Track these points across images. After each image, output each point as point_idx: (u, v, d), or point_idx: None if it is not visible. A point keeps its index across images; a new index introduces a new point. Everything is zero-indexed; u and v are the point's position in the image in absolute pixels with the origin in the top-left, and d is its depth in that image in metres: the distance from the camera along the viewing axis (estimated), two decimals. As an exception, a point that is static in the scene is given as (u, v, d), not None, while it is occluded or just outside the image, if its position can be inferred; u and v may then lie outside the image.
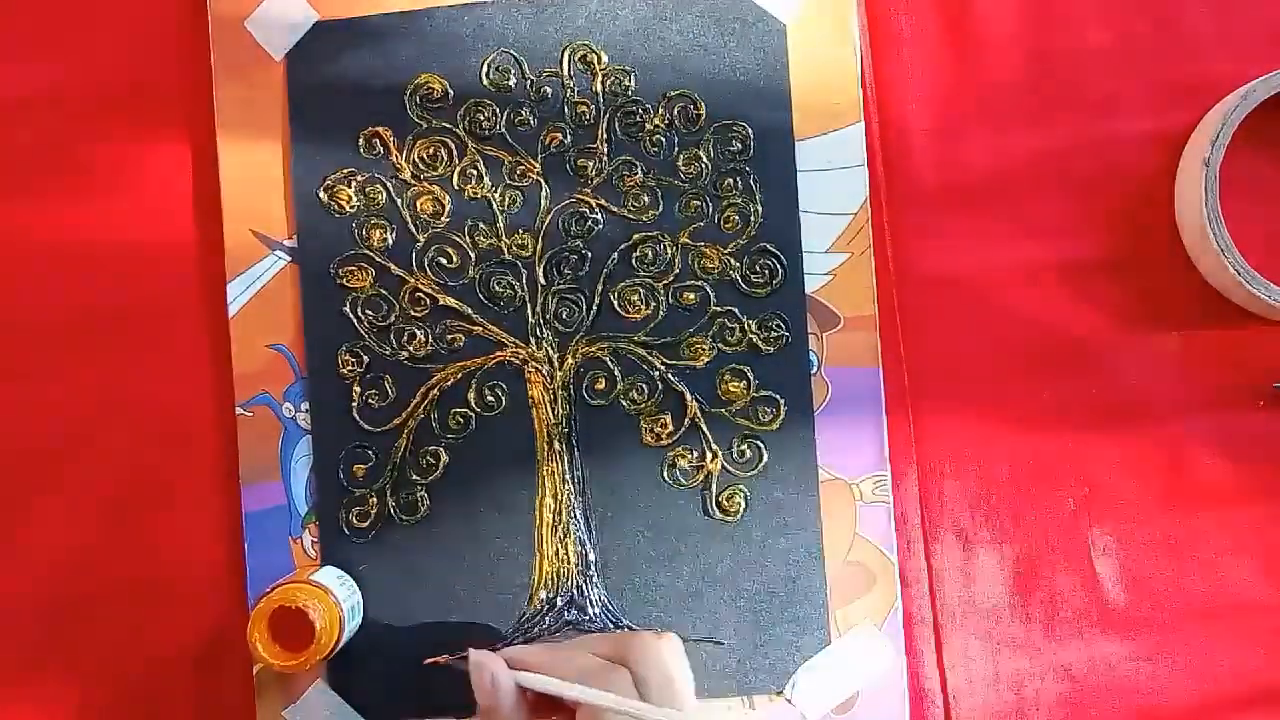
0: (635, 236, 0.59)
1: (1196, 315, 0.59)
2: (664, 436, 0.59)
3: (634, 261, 0.59)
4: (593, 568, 0.59)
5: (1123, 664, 0.58)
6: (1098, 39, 0.59)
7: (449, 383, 0.59)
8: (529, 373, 0.59)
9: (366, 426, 0.59)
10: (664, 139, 0.59)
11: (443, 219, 0.59)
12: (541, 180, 0.59)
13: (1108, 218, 0.59)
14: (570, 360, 0.59)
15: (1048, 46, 0.59)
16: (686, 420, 0.59)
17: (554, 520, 0.59)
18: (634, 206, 0.59)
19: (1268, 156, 0.58)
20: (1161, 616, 0.58)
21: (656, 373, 0.59)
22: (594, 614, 0.58)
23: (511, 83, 0.59)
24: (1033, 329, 0.59)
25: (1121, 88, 0.59)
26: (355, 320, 0.59)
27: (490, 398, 0.59)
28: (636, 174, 0.59)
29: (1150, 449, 0.59)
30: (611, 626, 0.58)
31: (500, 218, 0.59)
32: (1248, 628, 0.58)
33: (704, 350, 0.59)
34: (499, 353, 0.59)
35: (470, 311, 0.59)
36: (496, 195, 0.59)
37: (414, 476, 0.59)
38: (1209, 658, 0.58)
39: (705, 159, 0.59)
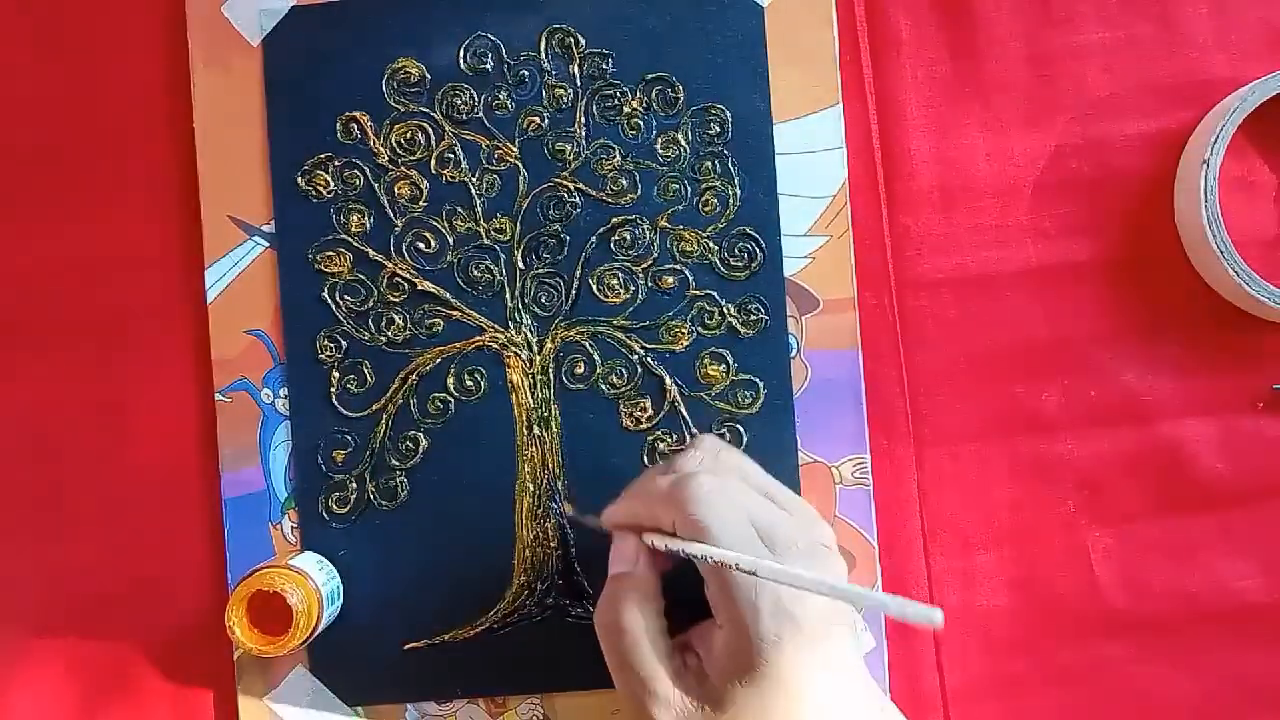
0: (614, 220, 0.59)
1: (1195, 316, 0.59)
2: (644, 420, 0.59)
3: (613, 245, 0.59)
4: (573, 552, 0.59)
5: (1123, 664, 0.58)
6: (1098, 39, 0.59)
7: (428, 368, 0.59)
8: (508, 357, 0.59)
9: (345, 412, 0.59)
10: (642, 122, 0.59)
11: (420, 203, 0.59)
12: (519, 164, 0.59)
13: (1107, 218, 0.59)
14: (549, 344, 0.59)
15: (1048, 46, 0.59)
16: (666, 404, 0.59)
17: (534, 505, 0.59)
18: (612, 190, 0.59)
19: (1266, 158, 0.58)
20: (1161, 617, 0.58)
21: (636, 356, 0.59)
22: (574, 599, 0.58)
23: (489, 66, 0.59)
24: (1033, 329, 0.59)
25: (1121, 88, 0.59)
26: (333, 305, 0.59)
27: (469, 382, 0.59)
28: (615, 157, 0.59)
29: (1150, 449, 0.59)
30: (591, 611, 0.58)
31: (478, 202, 0.59)
32: (1248, 628, 0.58)
33: (683, 334, 0.59)
34: (478, 337, 0.59)
35: (449, 296, 0.59)
36: (474, 179, 0.59)
37: (393, 462, 0.59)
38: (1209, 658, 0.58)
39: (684, 142, 0.59)
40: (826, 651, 0.48)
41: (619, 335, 0.59)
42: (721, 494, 0.49)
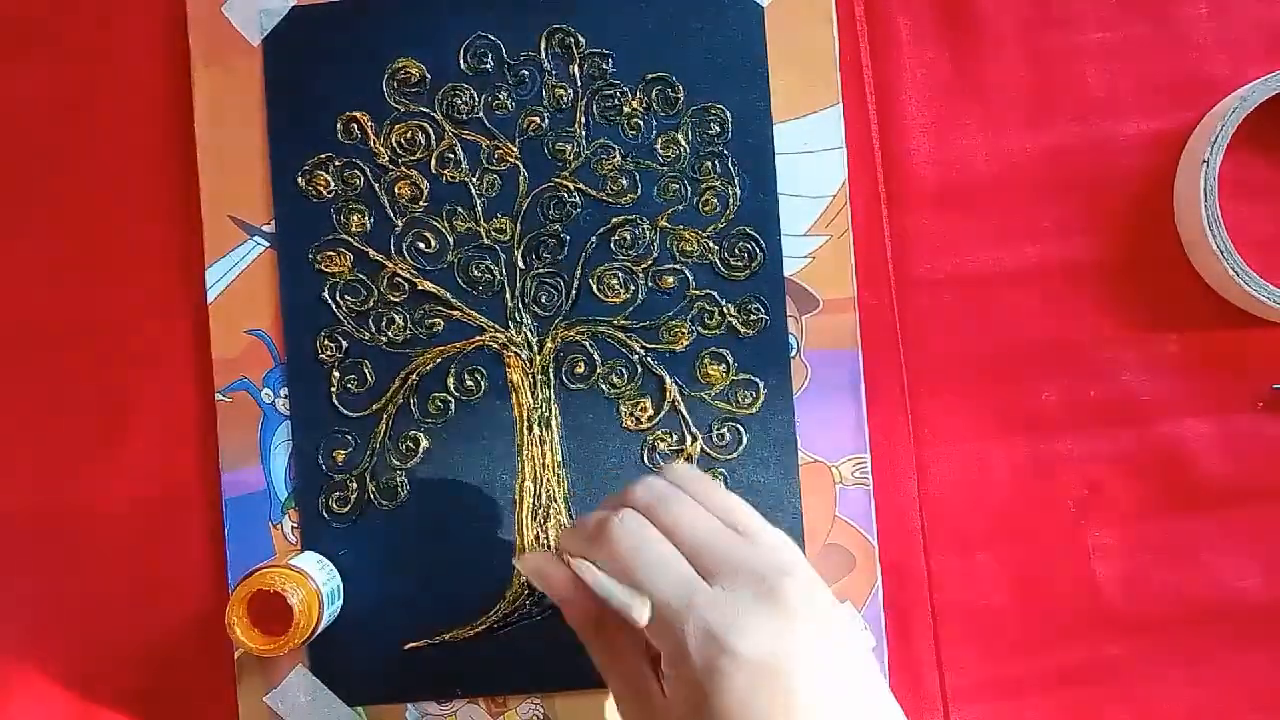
0: (614, 220, 0.59)
1: (1195, 316, 0.59)
2: (644, 420, 0.59)
3: (613, 245, 0.59)
4: (573, 552, 0.59)
5: (1123, 664, 0.58)
6: (1097, 39, 0.59)
7: (428, 367, 0.59)
8: (508, 357, 0.59)
9: (346, 412, 0.59)
10: (642, 122, 0.59)
11: (421, 203, 0.59)
12: (519, 164, 0.59)
13: (1107, 218, 0.59)
14: (549, 344, 0.59)
15: (1048, 46, 0.59)
16: (666, 404, 0.59)
17: (534, 504, 0.59)
18: (612, 190, 0.59)
19: (1266, 158, 0.58)
20: (1161, 617, 0.58)
21: (636, 356, 0.59)
22: (574, 598, 0.59)
23: (489, 67, 0.59)
24: (1033, 329, 0.59)
25: (1121, 88, 0.59)
26: (334, 305, 0.59)
27: (470, 382, 0.59)
28: (615, 157, 0.59)
29: (1149, 449, 0.59)
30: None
31: (478, 202, 0.59)
32: (1248, 628, 0.58)
33: (683, 333, 0.59)
34: (478, 337, 0.59)
35: (449, 296, 0.59)
36: (474, 180, 0.59)
37: (393, 461, 0.59)
38: (1209, 658, 0.58)
39: (684, 142, 0.59)
40: (791, 687, 0.42)
41: (619, 335, 0.59)
42: (641, 530, 0.46)
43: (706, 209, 0.59)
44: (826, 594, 0.45)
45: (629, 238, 0.59)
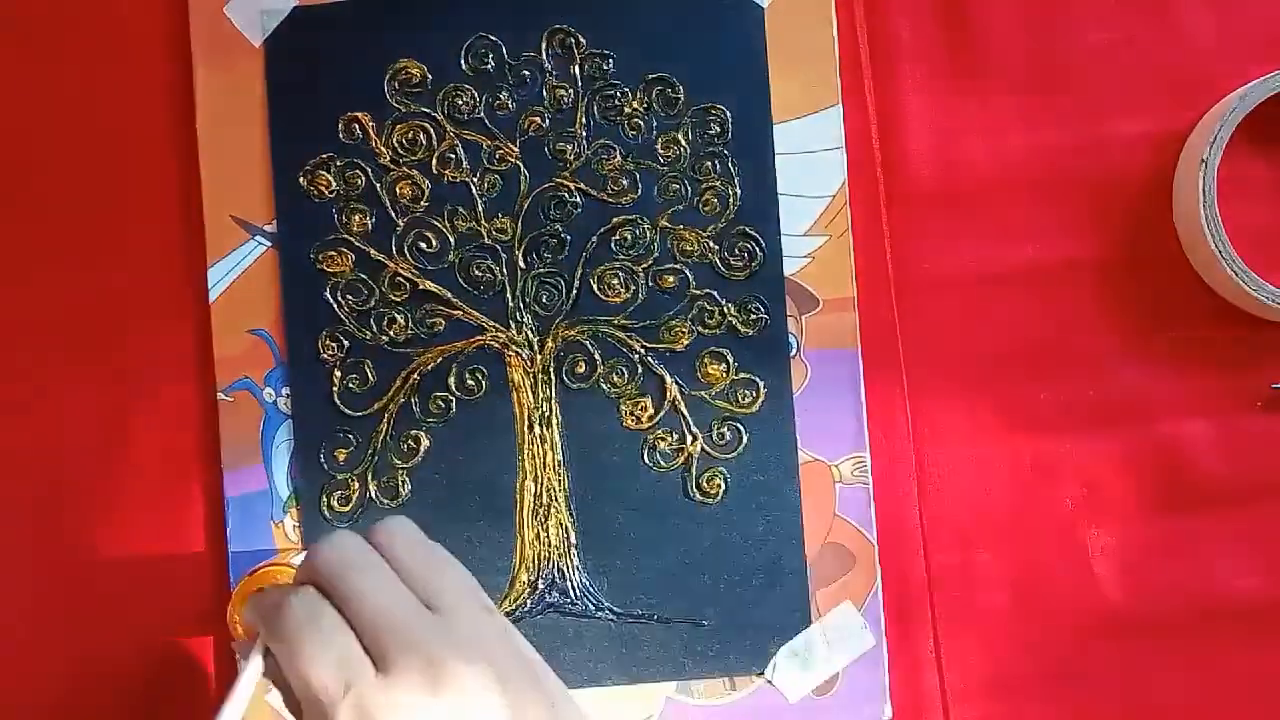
0: (614, 220, 0.59)
1: (1194, 315, 0.59)
2: (644, 419, 0.59)
3: (613, 245, 0.59)
4: (574, 550, 0.59)
5: (1122, 664, 0.58)
6: (1098, 39, 0.59)
7: (429, 367, 0.59)
8: (509, 356, 0.59)
9: (347, 411, 0.59)
10: (643, 122, 0.59)
11: (422, 203, 0.59)
12: (520, 164, 0.59)
13: (1105, 218, 0.59)
14: (550, 344, 0.59)
15: (1048, 47, 0.59)
16: (666, 403, 0.59)
17: (535, 503, 0.59)
18: (613, 190, 0.59)
19: (1265, 157, 0.58)
20: (1161, 617, 0.58)
21: (636, 356, 0.59)
22: (575, 596, 0.59)
23: (490, 67, 0.59)
24: (1031, 329, 0.59)
25: (1121, 88, 0.59)
26: (335, 305, 0.59)
27: (471, 382, 0.59)
28: (615, 157, 0.59)
29: (1148, 449, 0.59)
30: (592, 609, 0.58)
31: (479, 202, 0.59)
32: (1248, 628, 0.58)
33: (683, 333, 0.59)
34: (479, 337, 0.59)
35: (450, 296, 0.59)
36: (475, 179, 0.59)
37: (395, 461, 0.59)
38: (1209, 658, 0.58)
39: (684, 142, 0.59)
40: None
41: (619, 335, 0.59)
42: (311, 609, 0.40)
43: (706, 209, 0.59)
44: (521, 684, 0.41)
45: (629, 237, 0.59)
